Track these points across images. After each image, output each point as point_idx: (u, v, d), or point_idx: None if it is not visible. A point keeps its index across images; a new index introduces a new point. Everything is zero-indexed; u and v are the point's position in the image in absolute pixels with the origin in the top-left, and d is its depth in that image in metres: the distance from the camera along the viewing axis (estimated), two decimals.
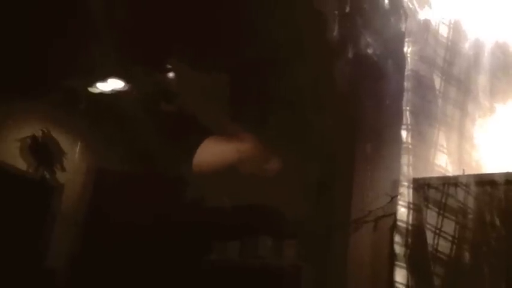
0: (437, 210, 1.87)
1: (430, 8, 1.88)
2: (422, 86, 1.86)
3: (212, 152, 2.45)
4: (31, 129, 3.03)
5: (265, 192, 2.85)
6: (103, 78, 3.04)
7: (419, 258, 1.80)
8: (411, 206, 1.80)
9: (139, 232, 2.81)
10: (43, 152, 3.06)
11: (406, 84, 1.84)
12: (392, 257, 1.85)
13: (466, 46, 1.98)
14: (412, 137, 1.81)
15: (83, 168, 3.21)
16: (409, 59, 1.84)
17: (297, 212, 2.86)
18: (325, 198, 2.80)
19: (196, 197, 3.00)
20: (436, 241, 1.83)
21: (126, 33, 2.57)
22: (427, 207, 1.88)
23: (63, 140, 3.14)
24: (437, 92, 1.89)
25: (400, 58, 1.86)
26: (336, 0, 2.06)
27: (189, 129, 2.64)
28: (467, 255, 1.83)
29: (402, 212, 1.80)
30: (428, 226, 1.84)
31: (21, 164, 3.00)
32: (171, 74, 2.91)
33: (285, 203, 2.85)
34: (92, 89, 3.08)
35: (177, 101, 2.85)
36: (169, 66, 2.89)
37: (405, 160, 1.81)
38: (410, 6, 1.86)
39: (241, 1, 2.39)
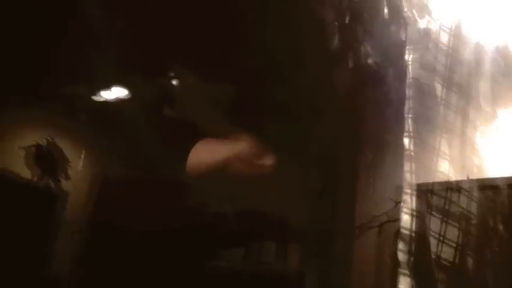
0: (440, 216, 1.87)
1: (430, 15, 1.89)
2: (424, 93, 1.86)
3: (206, 153, 2.42)
4: (35, 137, 3.05)
5: (269, 198, 2.85)
6: (106, 86, 3.06)
7: (423, 266, 1.80)
8: (414, 213, 1.81)
9: (143, 239, 2.82)
10: (47, 160, 3.07)
11: (408, 91, 1.84)
12: (396, 263, 1.86)
13: (467, 52, 1.98)
14: (414, 144, 1.82)
15: (87, 176, 3.22)
16: (410, 67, 1.85)
17: (301, 217, 2.87)
18: (328, 204, 2.81)
19: (201, 203, 3.00)
20: (439, 248, 1.83)
21: (129, 40, 2.58)
22: (430, 213, 1.88)
23: (67, 148, 3.15)
24: (438, 99, 1.89)
25: (401, 66, 1.87)
26: (336, 10, 2.07)
27: (189, 135, 2.66)
28: (470, 261, 1.83)
29: (405, 219, 1.80)
30: (431, 233, 1.84)
31: (25, 173, 3.01)
32: (172, 81, 2.93)
33: (288, 209, 2.86)
34: (95, 97, 3.09)
35: (178, 107, 2.87)
36: (170, 74, 2.91)
37: (407, 167, 1.82)
38: (410, 14, 1.87)
39: (242, 10, 2.40)
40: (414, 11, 1.86)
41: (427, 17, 1.88)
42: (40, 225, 3.00)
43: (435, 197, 1.90)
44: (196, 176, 2.36)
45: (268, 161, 2.48)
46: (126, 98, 3.09)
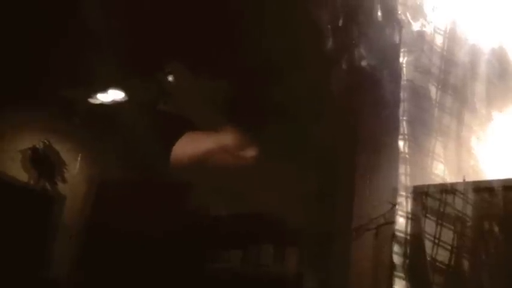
0: (435, 219, 1.87)
1: (425, 18, 1.89)
2: (419, 95, 1.87)
3: (190, 144, 2.48)
4: (32, 140, 3.05)
5: (267, 201, 2.85)
6: (103, 88, 3.06)
7: (418, 268, 1.80)
8: (409, 215, 1.81)
9: (141, 241, 2.82)
10: (44, 163, 3.07)
11: (402, 94, 1.85)
12: (392, 265, 1.86)
13: (462, 54, 1.98)
14: (409, 147, 1.82)
15: (84, 179, 3.22)
16: (404, 69, 1.85)
17: (299, 220, 2.87)
18: (326, 206, 2.81)
19: (199, 206, 3.00)
20: (434, 250, 1.83)
21: (125, 43, 2.58)
22: (426, 216, 1.88)
23: (64, 151, 3.15)
24: (433, 101, 1.90)
25: (396, 68, 1.87)
26: (330, 13, 2.07)
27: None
28: (466, 264, 1.83)
29: (400, 222, 1.80)
30: (426, 235, 1.84)
31: (22, 176, 3.01)
32: (169, 82, 2.93)
33: (286, 211, 2.86)
34: (92, 100, 3.09)
35: (175, 108, 2.88)
36: (167, 74, 2.91)
37: (403, 170, 1.82)
38: (404, 17, 1.87)
39: (239, 11, 2.40)
40: (408, 14, 1.86)
41: (421, 20, 1.88)
42: (37, 228, 2.99)
43: (430, 199, 1.90)
44: (180, 167, 2.38)
45: (251, 152, 2.49)
46: (123, 100, 3.09)
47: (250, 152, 2.54)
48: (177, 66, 2.83)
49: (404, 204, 1.82)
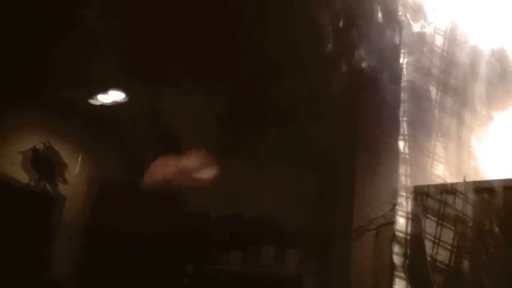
0: (435, 219, 1.88)
1: (425, 19, 1.90)
2: (419, 96, 1.87)
3: (159, 168, 2.84)
4: (33, 141, 3.05)
5: (267, 202, 2.86)
6: (104, 90, 3.06)
7: (418, 268, 1.81)
8: (409, 215, 1.81)
9: (141, 243, 2.82)
10: (45, 164, 3.07)
11: (403, 95, 1.85)
12: (392, 265, 1.86)
13: (462, 55, 1.99)
14: (409, 147, 1.83)
15: (84, 180, 3.22)
16: (405, 70, 1.86)
17: (299, 221, 2.87)
18: (326, 207, 2.81)
19: (199, 207, 3.00)
20: (435, 250, 1.84)
21: (126, 46, 2.59)
22: (426, 216, 1.89)
23: (64, 152, 3.15)
24: (433, 102, 1.90)
25: (396, 69, 1.88)
26: (330, 14, 2.08)
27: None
28: (466, 264, 1.84)
29: (401, 222, 1.81)
30: (427, 236, 1.85)
31: (23, 177, 3.01)
32: (169, 86, 2.94)
33: (286, 212, 2.86)
34: (92, 102, 3.09)
35: (170, 119, 2.94)
36: (167, 79, 2.92)
37: (403, 170, 1.82)
38: (404, 18, 1.88)
39: (239, 15, 2.41)
40: (408, 15, 1.87)
41: (421, 21, 1.89)
42: (37, 229, 2.99)
43: (430, 199, 1.91)
44: (152, 185, 2.79)
45: (209, 174, 2.80)
46: (123, 102, 3.09)
47: (206, 174, 2.82)
48: (178, 75, 2.86)
49: (404, 205, 1.83)
